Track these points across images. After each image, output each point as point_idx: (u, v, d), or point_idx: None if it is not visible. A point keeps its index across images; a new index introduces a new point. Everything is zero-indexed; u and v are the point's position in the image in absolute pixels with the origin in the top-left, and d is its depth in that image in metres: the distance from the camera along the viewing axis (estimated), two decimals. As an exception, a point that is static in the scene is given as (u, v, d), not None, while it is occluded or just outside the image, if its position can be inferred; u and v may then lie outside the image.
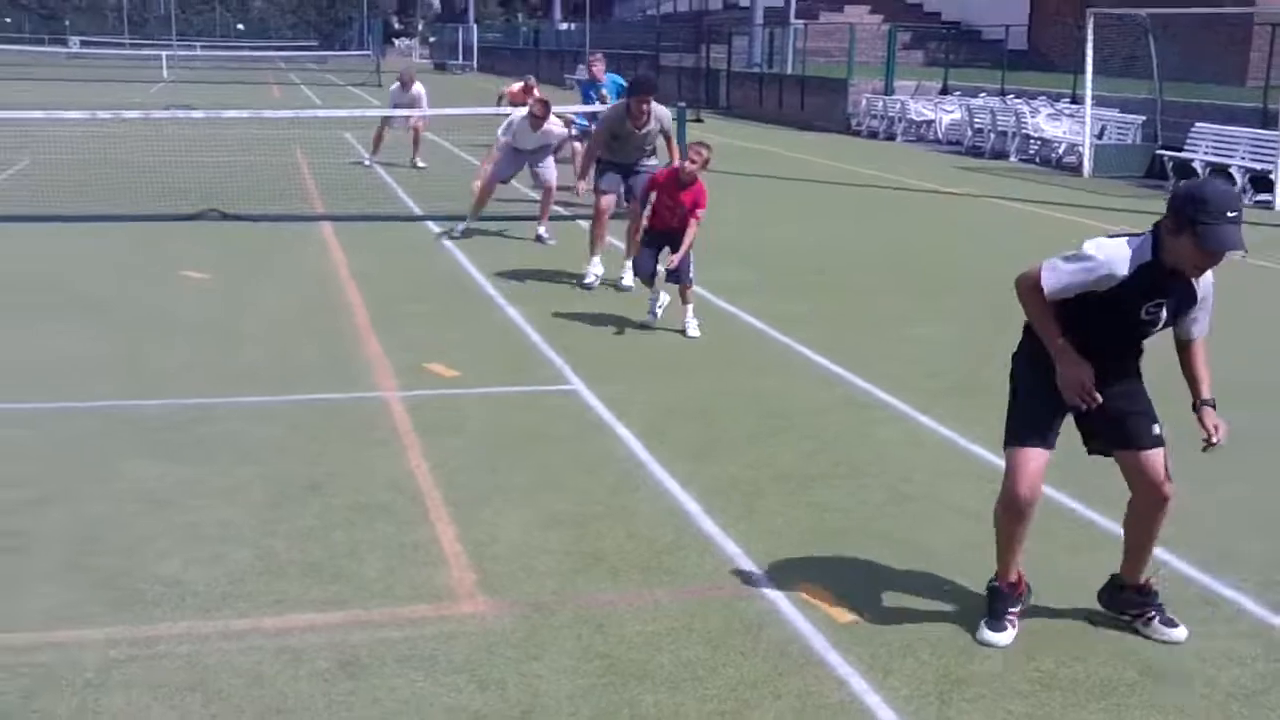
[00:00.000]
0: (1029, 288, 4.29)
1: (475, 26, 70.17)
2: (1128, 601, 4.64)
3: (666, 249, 9.13)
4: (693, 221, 9.04)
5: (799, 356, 8.65)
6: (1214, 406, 4.44)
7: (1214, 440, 4.38)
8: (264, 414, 7.07)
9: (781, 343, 9.01)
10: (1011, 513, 4.44)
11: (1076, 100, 23.92)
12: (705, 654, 4.40)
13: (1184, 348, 4.46)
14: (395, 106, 19.42)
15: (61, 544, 5.20)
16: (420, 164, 19.19)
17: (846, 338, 9.16)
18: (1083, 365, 4.21)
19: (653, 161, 10.73)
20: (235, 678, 4.16)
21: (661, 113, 10.57)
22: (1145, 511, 4.47)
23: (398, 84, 19.54)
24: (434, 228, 13.69)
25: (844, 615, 4.72)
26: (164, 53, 57.53)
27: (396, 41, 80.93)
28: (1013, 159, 23.74)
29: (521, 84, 20.03)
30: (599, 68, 16.40)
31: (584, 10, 59.96)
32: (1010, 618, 4.57)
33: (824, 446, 6.73)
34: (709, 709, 4.04)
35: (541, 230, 12.93)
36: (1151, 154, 21.21)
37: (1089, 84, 21.45)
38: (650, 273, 9.28)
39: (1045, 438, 4.39)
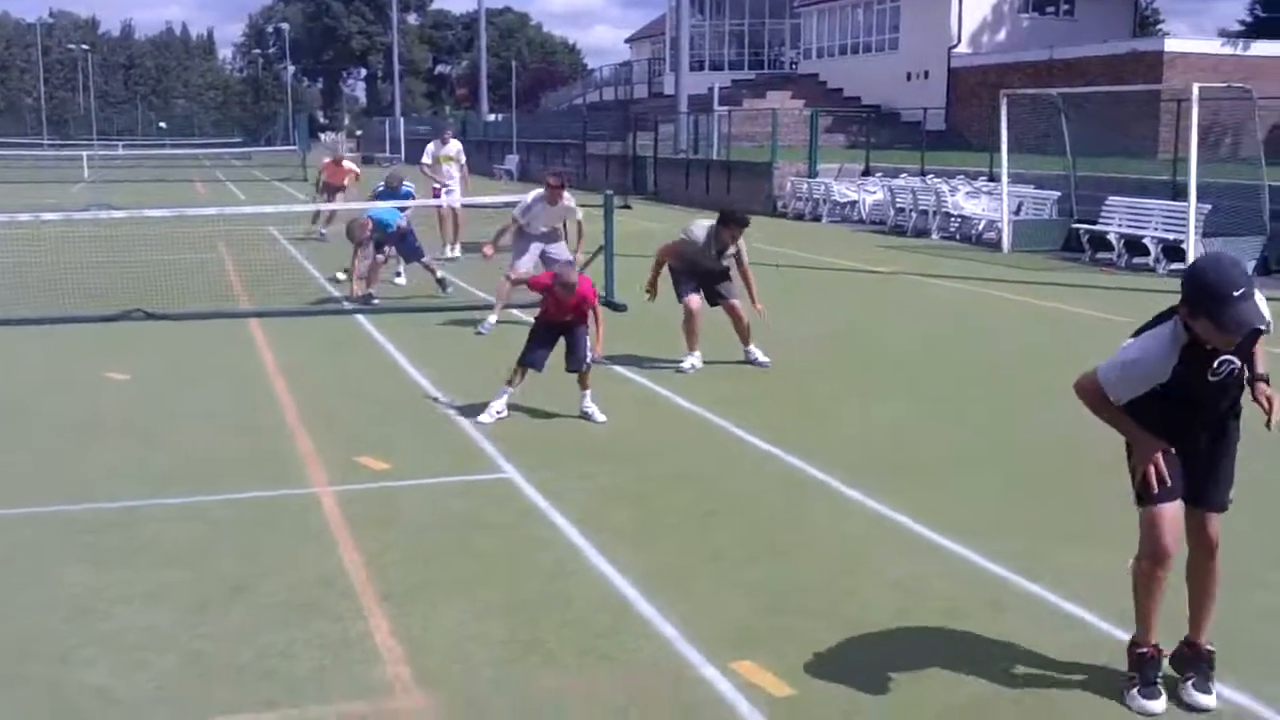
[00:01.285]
0: (1096, 397, 4.47)
1: (402, 119, 70.57)
2: (1183, 659, 4.71)
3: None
4: (590, 314, 9.01)
5: (733, 438, 8.70)
6: (1267, 382, 4.51)
7: (1270, 413, 4.42)
8: (191, 514, 6.98)
9: (715, 424, 9.07)
10: (1159, 565, 4.48)
11: (994, 178, 24.48)
12: (644, 738, 4.38)
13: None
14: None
15: (-16, 654, 5.08)
16: (452, 254, 19.09)
17: (778, 418, 9.23)
18: (1156, 445, 4.39)
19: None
20: (165, 784, 4.07)
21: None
22: (1196, 563, 4.63)
23: (383, 186, 17.63)
24: (364, 321, 13.66)
25: (782, 689, 4.72)
26: (85, 152, 57.15)
27: (322, 135, 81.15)
28: (934, 236, 24.21)
29: (331, 158, 20.94)
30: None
31: (511, 101, 60.58)
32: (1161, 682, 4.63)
33: (759, 526, 6.76)
34: (649, 794, 4.01)
35: (492, 319, 12.87)
36: (1068, 227, 21.72)
37: (1004, 162, 22.00)
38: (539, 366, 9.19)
39: (1174, 490, 4.46)
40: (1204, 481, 4.51)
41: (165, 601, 5.66)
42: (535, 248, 12.76)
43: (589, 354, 9.10)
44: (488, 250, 10.96)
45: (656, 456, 8.19)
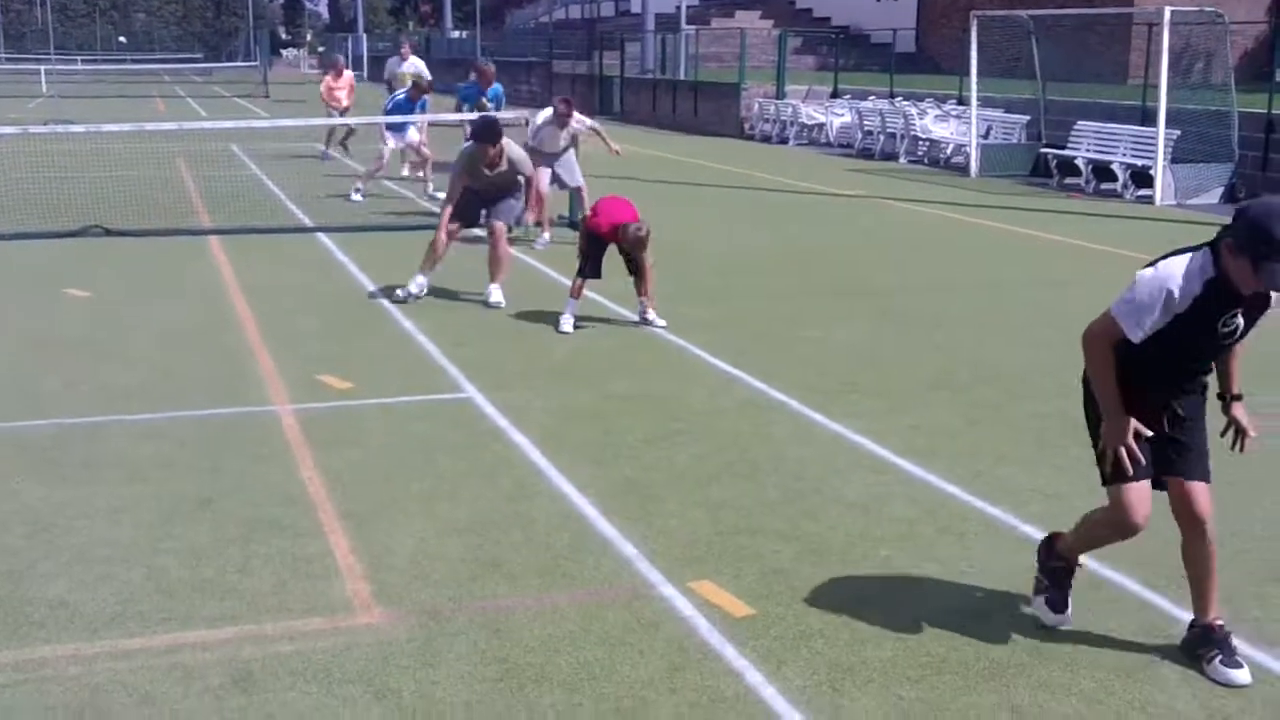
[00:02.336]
0: (1099, 339, 4.25)
1: (365, 36, 69.47)
2: (1194, 640, 4.47)
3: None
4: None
5: (695, 359, 8.72)
6: (1241, 400, 4.47)
7: (1250, 434, 4.42)
8: (152, 431, 6.95)
9: (677, 346, 9.08)
10: (1126, 538, 4.44)
11: (963, 102, 24.40)
12: (603, 654, 4.42)
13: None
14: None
15: (-59, 570, 5.07)
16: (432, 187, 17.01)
17: (742, 341, 9.25)
18: (1129, 425, 4.23)
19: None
20: (125, 697, 4.09)
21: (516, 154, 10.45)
22: (1190, 543, 4.40)
23: (403, 95, 16.78)
24: (325, 240, 13.55)
25: (740, 609, 4.77)
26: (42, 67, 55.97)
27: (284, 52, 79.74)
28: (902, 160, 24.15)
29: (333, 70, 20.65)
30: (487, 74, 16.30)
31: (475, 19, 59.75)
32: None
33: (719, 447, 6.79)
34: (606, 708, 4.06)
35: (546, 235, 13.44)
36: (1036, 152, 21.71)
37: (974, 85, 21.90)
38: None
39: (1145, 468, 4.32)
40: (1184, 452, 4.34)
41: (127, 517, 5.65)
42: (545, 171, 13.07)
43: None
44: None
45: (618, 378, 8.20)
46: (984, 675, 4.30)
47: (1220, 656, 4.33)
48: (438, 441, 6.82)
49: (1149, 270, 4.18)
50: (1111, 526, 4.44)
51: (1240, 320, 4.17)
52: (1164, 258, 4.22)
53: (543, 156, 13.16)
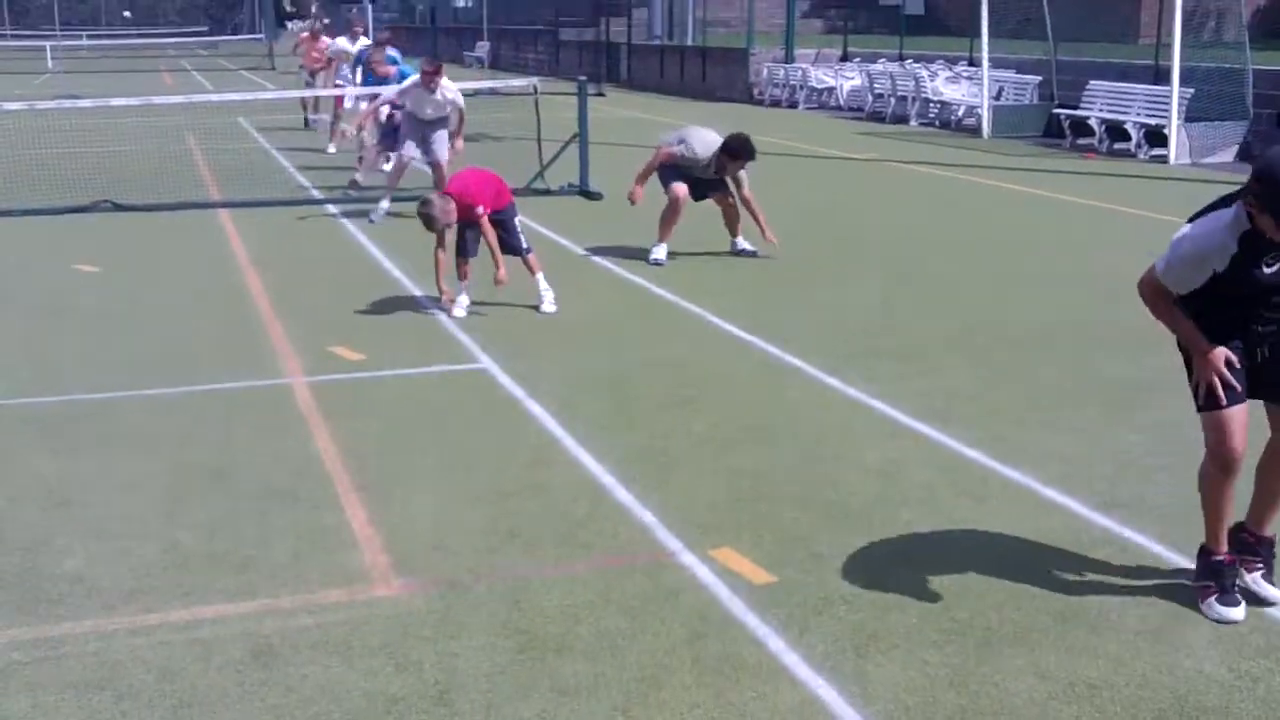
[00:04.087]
0: (1153, 293, 4.33)
1: (370, 6, 69.13)
2: (1243, 546, 4.54)
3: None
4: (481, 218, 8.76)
5: (709, 325, 8.66)
6: None
7: None
8: (165, 405, 6.92)
9: (691, 312, 9.02)
10: (1228, 471, 4.36)
11: (974, 63, 24.17)
12: (624, 623, 4.39)
13: None
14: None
15: (-42, 547, 5.05)
16: (331, 149, 18.15)
17: (756, 305, 9.18)
18: (1219, 354, 4.23)
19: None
20: (145, 673, 4.07)
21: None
22: (1273, 462, 4.46)
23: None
24: (333, 209, 13.50)
25: (761, 576, 4.73)
26: (48, 43, 55.79)
27: (290, 24, 79.37)
28: (913, 123, 23.97)
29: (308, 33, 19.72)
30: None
31: (481, -13, 59.37)
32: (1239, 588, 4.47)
33: (735, 413, 6.74)
34: (628, 677, 4.03)
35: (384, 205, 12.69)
36: (1048, 113, 21.51)
37: (985, 46, 21.70)
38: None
39: (1239, 393, 4.32)
40: (1274, 377, 4.34)
41: (142, 491, 5.63)
42: (413, 140, 12.54)
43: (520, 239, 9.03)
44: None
45: (632, 344, 8.15)
46: (1009, 640, 4.26)
47: (1264, 571, 4.44)
48: (453, 412, 6.79)
49: (1185, 232, 4.18)
50: (1213, 460, 4.38)
51: None
52: (1198, 214, 4.20)
53: (411, 124, 12.52)
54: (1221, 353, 4.24)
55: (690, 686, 3.97)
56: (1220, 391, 4.24)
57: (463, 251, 8.95)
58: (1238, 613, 4.36)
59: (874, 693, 3.93)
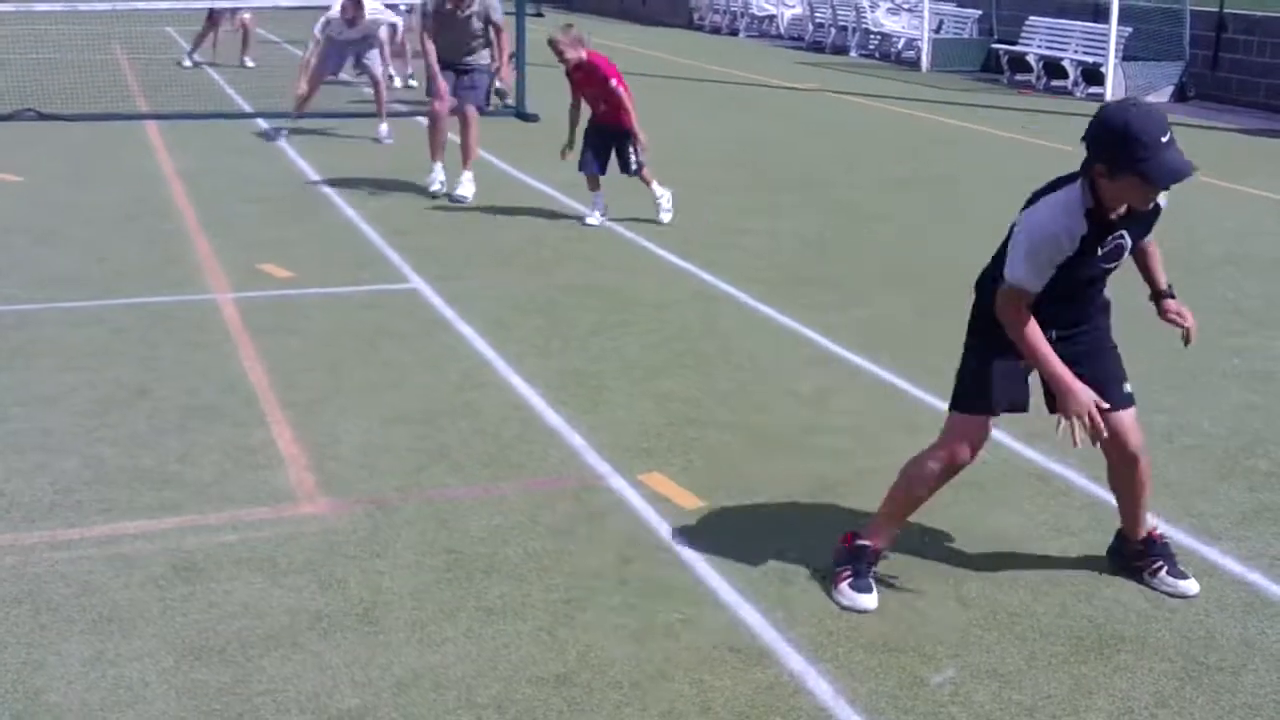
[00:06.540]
0: (1015, 310, 3.90)
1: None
2: (1133, 554, 4.32)
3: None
4: (621, 96, 9.08)
5: (642, 251, 8.62)
6: (1173, 296, 4.22)
7: (1186, 325, 4.17)
8: (87, 318, 6.77)
9: (625, 238, 8.97)
10: (950, 475, 4.14)
11: (915, -6, 24.11)
12: (551, 545, 4.39)
13: (1138, 250, 4.13)
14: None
15: None
16: (249, 63, 18.40)
17: (690, 232, 9.15)
18: (1087, 391, 3.84)
19: (484, 60, 9.84)
20: (65, 587, 4.01)
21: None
22: (1120, 471, 4.21)
23: None
24: (264, 125, 13.22)
25: (689, 501, 4.75)
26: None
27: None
28: (853, 54, 23.89)
29: None
30: None
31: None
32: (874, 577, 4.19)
33: (668, 338, 6.73)
34: (555, 598, 4.03)
35: (382, 128, 12.52)
36: (987, 48, 21.54)
37: (926, -22, 21.62)
38: (596, 172, 9.22)
39: (1002, 401, 4.09)
40: (1102, 381, 3.98)
41: (63, 405, 5.52)
42: (345, 52, 12.21)
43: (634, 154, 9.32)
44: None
45: (565, 268, 8.09)
46: (932, 568, 4.31)
47: (1166, 567, 4.23)
48: (383, 331, 6.71)
49: (1027, 221, 3.90)
50: (943, 461, 4.10)
51: (1128, 239, 3.92)
52: (1030, 202, 3.95)
53: (336, 47, 12.13)
54: (1091, 397, 3.84)
55: (616, 608, 3.98)
56: (1103, 427, 3.85)
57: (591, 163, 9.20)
58: (870, 600, 4.06)
59: (798, 617, 3.96)
